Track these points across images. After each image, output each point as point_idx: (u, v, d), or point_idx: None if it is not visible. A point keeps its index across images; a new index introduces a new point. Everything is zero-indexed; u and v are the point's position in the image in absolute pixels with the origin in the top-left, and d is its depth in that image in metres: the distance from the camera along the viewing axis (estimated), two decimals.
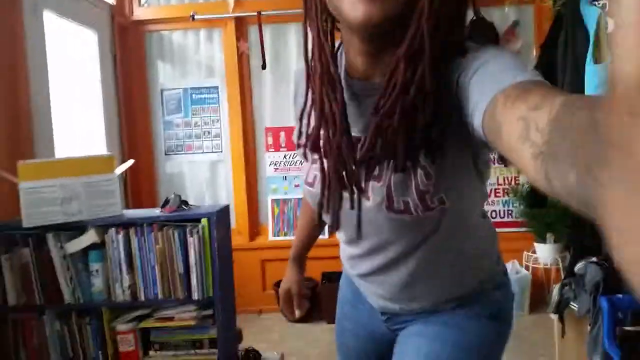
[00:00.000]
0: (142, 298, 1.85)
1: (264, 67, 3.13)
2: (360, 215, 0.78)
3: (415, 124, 0.66)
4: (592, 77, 2.23)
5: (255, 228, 3.32)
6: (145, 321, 1.88)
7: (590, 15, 2.28)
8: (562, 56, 2.40)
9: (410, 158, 0.69)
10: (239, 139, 3.23)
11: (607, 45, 2.20)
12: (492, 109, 0.52)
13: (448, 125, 0.67)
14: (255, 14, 3.08)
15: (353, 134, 0.72)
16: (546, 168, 0.37)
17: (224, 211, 1.99)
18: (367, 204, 0.76)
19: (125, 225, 1.84)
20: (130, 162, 2.31)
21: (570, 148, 0.32)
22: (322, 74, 0.71)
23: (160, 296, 1.84)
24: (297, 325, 2.87)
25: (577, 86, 2.26)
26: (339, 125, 0.71)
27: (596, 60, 2.20)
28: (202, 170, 3.32)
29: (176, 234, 1.82)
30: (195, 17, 3.10)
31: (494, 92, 0.53)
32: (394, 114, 0.65)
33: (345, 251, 0.93)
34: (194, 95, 3.27)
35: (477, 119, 0.56)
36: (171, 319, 1.86)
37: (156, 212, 1.91)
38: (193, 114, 3.28)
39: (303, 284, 1.14)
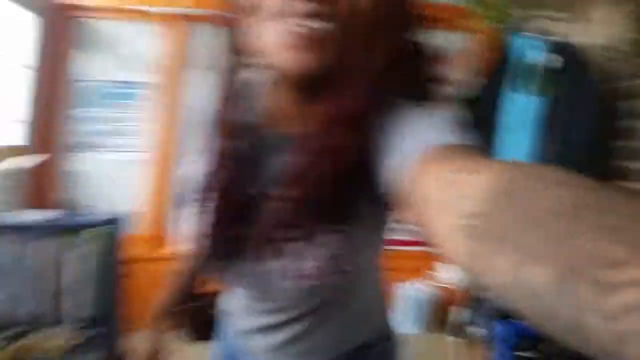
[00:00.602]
0: (13, 317, 1.65)
1: (196, 67, 2.98)
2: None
3: (338, 196, 0.56)
4: (512, 104, 2.44)
5: (164, 236, 3.11)
6: (15, 344, 1.69)
7: (515, 44, 2.48)
8: (492, 85, 2.49)
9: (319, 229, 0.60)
10: (160, 140, 3.04)
11: (529, 76, 2.34)
12: (410, 172, 0.44)
13: (364, 192, 0.58)
14: (190, 11, 2.92)
15: (251, 190, 0.64)
16: (474, 247, 0.31)
17: (118, 219, 1.84)
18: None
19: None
20: (40, 157, 2.10)
21: (527, 231, 0.27)
22: (223, 118, 0.63)
23: (34, 314, 1.66)
24: (198, 344, 2.72)
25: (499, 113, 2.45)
26: (230, 182, 0.62)
27: (520, 89, 2.32)
28: (114, 170, 3.09)
29: (55, 244, 1.66)
30: (128, 8, 2.90)
31: (414, 152, 0.45)
32: (322, 188, 0.55)
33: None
34: (116, 89, 3.05)
35: (391, 183, 0.48)
36: (45, 341, 1.69)
37: (35, 216, 1.73)
38: (112, 109, 3.05)
39: (164, 344, 1.03)
